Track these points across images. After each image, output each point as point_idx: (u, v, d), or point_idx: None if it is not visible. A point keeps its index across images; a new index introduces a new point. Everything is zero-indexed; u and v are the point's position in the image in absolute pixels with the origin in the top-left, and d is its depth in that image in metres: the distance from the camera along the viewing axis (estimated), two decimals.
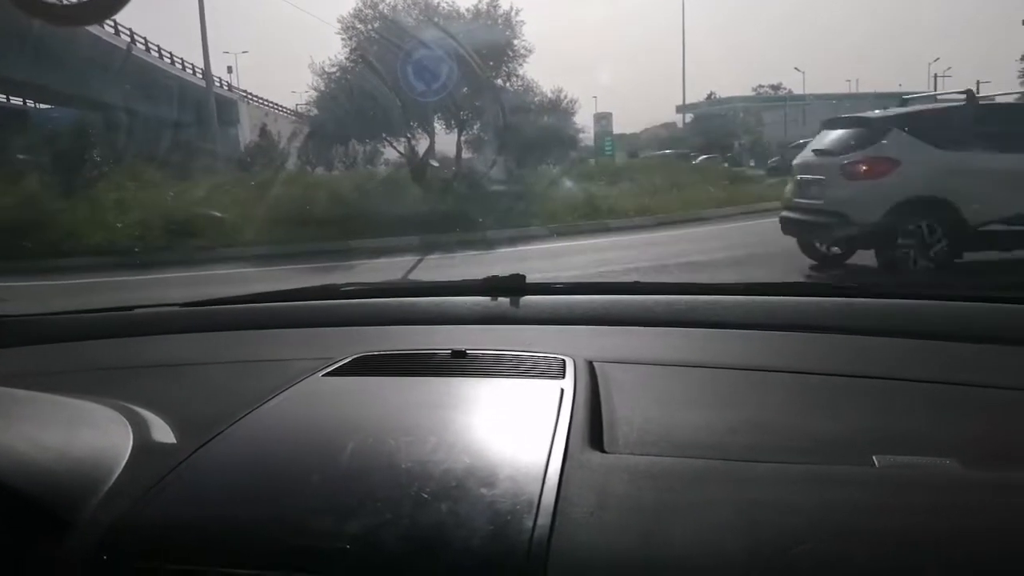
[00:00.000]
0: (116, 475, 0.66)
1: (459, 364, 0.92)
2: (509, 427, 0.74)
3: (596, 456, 0.67)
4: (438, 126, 14.71)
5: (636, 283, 1.34)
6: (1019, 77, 39.64)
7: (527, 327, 1.14)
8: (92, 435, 0.72)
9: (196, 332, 1.22)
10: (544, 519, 0.57)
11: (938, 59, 76.10)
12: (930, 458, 0.66)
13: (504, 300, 1.23)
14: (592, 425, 0.73)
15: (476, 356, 0.94)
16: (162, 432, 0.75)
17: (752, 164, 27.53)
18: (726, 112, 45.35)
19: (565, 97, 16.49)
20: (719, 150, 32.08)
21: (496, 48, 13.89)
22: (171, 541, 0.58)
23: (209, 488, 0.64)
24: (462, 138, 14.86)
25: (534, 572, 0.53)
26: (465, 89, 13.45)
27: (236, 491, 0.64)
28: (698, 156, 28.99)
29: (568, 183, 14.40)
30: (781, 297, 1.21)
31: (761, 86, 51.30)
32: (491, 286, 1.27)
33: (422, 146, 14.37)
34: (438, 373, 0.89)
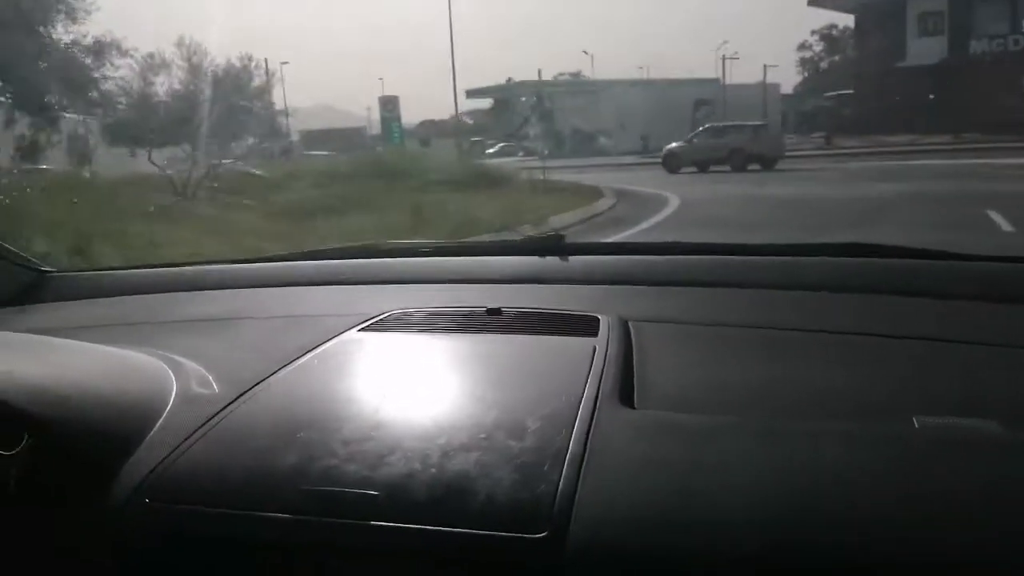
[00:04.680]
0: (159, 423, 0.71)
1: (493, 321, 0.96)
2: (539, 382, 0.77)
3: (626, 412, 0.70)
4: None
5: (672, 243, 1.33)
6: (797, 66, 47.98)
7: (563, 286, 1.17)
8: (138, 384, 0.77)
9: (240, 288, 1.28)
10: (571, 471, 0.60)
11: (726, 42, 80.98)
12: (971, 419, 0.67)
13: (540, 259, 1.26)
14: (623, 382, 0.76)
15: (510, 314, 0.98)
16: (203, 383, 0.79)
17: (546, 153, 28.49)
18: (520, 97, 44.65)
19: (239, 64, 14.65)
20: (516, 138, 34.35)
21: None
22: (208, 486, 0.62)
23: (245, 436, 0.68)
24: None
25: (560, 522, 0.56)
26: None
27: (271, 440, 0.67)
28: (495, 144, 29.81)
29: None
30: (815, 257, 1.22)
31: (561, 73, 49.88)
32: (528, 245, 1.33)
33: None
34: (472, 330, 0.93)
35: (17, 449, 0.65)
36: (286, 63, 45.05)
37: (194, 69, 14.59)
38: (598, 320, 0.93)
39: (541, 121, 43.14)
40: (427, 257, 1.40)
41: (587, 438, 0.64)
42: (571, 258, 1.28)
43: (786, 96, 44.07)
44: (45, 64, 12.65)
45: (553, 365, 0.83)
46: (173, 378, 0.81)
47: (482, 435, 0.66)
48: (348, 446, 0.65)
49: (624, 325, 0.93)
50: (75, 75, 13.42)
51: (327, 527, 0.59)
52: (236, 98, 14.93)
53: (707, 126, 23.00)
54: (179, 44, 14.52)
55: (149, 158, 13.13)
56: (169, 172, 12.15)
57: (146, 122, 13.52)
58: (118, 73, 14.51)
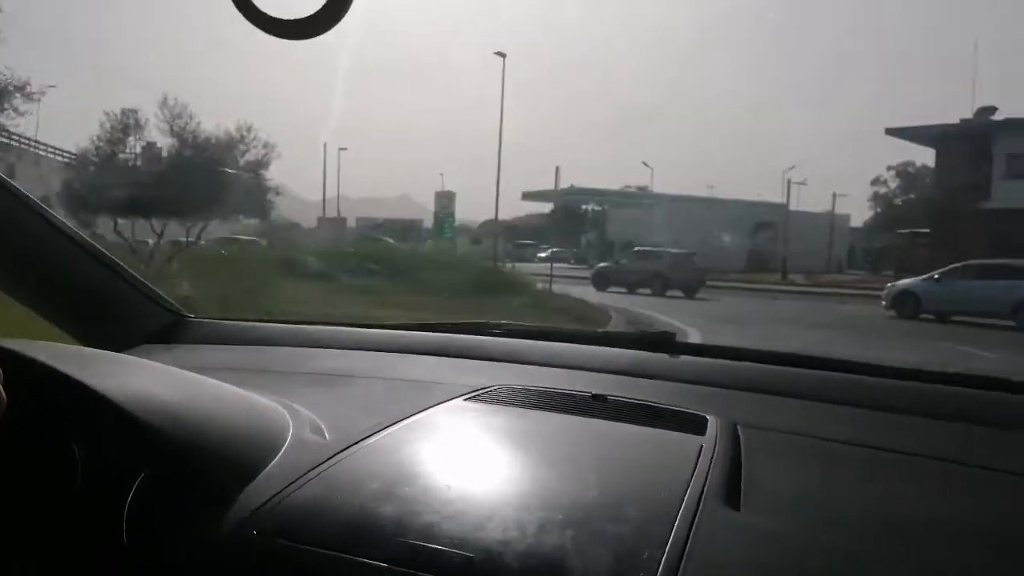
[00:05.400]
0: (273, 462, 0.76)
1: (598, 407, 0.98)
2: (642, 472, 0.79)
3: (731, 514, 0.70)
4: None
5: (790, 354, 1.33)
6: (870, 200, 44.02)
7: (671, 383, 1.17)
8: (258, 425, 0.83)
9: (357, 350, 1.38)
10: (671, 562, 0.60)
11: (794, 167, 79.62)
12: None
13: (649, 355, 1.28)
14: (730, 484, 0.76)
15: (616, 402, 1.00)
16: (316, 431, 0.86)
17: (591, 264, 27.74)
18: (578, 204, 46.99)
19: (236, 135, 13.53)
20: (567, 245, 34.74)
21: None
22: (313, 526, 0.66)
23: (352, 485, 0.72)
24: None
25: None
26: None
27: (375, 491, 0.70)
28: (547, 249, 29.30)
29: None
30: (940, 385, 1.19)
31: (628, 186, 51.04)
32: (637, 339, 1.34)
33: None
34: (575, 412, 0.95)
35: (131, 466, 0.71)
36: (344, 149, 45.29)
37: (176, 134, 13.30)
38: (706, 420, 0.93)
39: (594, 230, 45.16)
40: (534, 340, 1.40)
41: (689, 532, 0.65)
42: (681, 357, 1.28)
43: (855, 229, 42.17)
44: None
45: (657, 457, 0.84)
46: (290, 423, 0.86)
47: (581, 514, 0.67)
48: (448, 506, 0.67)
49: (732, 428, 0.93)
50: None
51: None
52: (220, 169, 13.48)
53: (636, 249, 23.18)
54: (162, 105, 13.28)
55: (114, 228, 12.50)
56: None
57: (106, 190, 12.25)
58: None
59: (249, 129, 14.54)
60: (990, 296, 13.57)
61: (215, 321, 1.58)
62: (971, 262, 15.17)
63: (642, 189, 48.32)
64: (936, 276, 14.99)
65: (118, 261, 1.37)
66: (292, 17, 0.68)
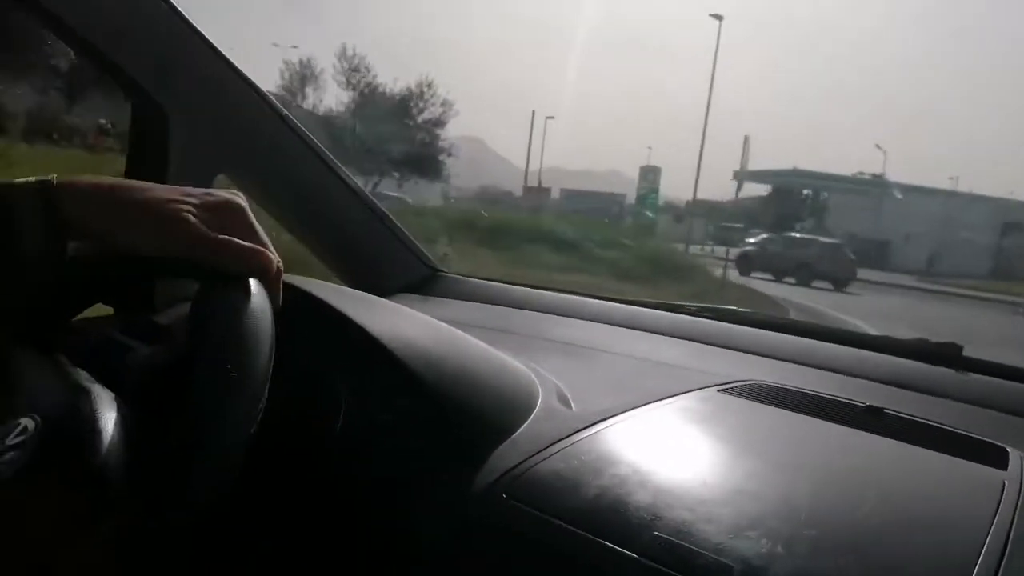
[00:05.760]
0: (523, 426, 0.76)
1: (873, 421, 0.88)
2: (932, 503, 0.71)
3: None
4: None
5: None
6: None
7: (956, 403, 1.04)
8: (511, 386, 0.83)
9: (601, 323, 1.35)
10: None
11: None
12: None
13: (929, 367, 1.15)
14: None
15: (894, 418, 0.90)
16: (564, 401, 0.85)
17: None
18: (800, 188, 42.75)
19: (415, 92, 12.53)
20: (782, 231, 31.27)
21: None
22: (563, 500, 0.64)
23: (603, 463, 0.69)
24: None
25: None
26: None
27: (627, 473, 0.67)
28: (759, 234, 24.84)
29: None
30: None
31: (861, 172, 44.93)
32: (916, 348, 1.19)
33: None
34: (846, 423, 0.87)
35: (391, 410, 0.73)
36: (551, 118, 45.62)
37: (353, 86, 13.39)
38: (1007, 452, 0.83)
39: (812, 217, 41.39)
40: (794, 335, 1.29)
41: (996, 573, 0.59)
42: (969, 374, 1.14)
43: None
44: None
45: (950, 489, 0.76)
46: (540, 389, 0.85)
47: (861, 541, 0.60)
48: (704, 505, 0.63)
49: None
50: None
51: None
52: (393, 126, 13.53)
53: (786, 235, 22.18)
54: (340, 56, 13.30)
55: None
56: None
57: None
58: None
59: (429, 85, 14.41)
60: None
61: (466, 278, 1.59)
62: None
63: (877, 177, 43.56)
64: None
65: (387, 212, 1.42)
66: None
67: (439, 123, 14.73)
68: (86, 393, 0.61)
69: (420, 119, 14.36)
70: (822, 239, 21.35)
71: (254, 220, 0.66)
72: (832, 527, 0.62)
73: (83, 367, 0.67)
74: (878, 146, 65.60)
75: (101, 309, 0.83)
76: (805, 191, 44.89)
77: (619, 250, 12.50)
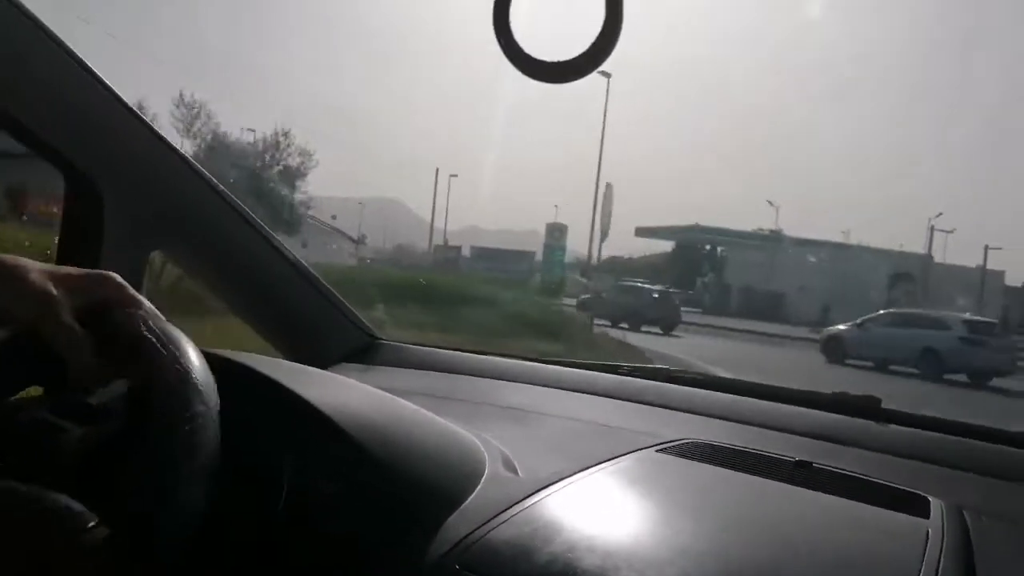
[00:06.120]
0: (472, 495, 0.76)
1: (801, 475, 0.91)
2: (863, 555, 0.73)
3: None
4: None
5: (1015, 432, 1.13)
6: None
7: (878, 455, 1.07)
8: (457, 455, 0.83)
9: (540, 386, 1.36)
10: None
11: (940, 214, 69.42)
12: None
13: (852, 420, 1.18)
14: None
15: (822, 471, 0.93)
16: (509, 467, 0.85)
17: (706, 306, 27.68)
18: (696, 243, 44.84)
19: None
20: (684, 285, 32.67)
21: None
22: (518, 568, 0.64)
23: (551, 529, 0.70)
24: None
25: None
26: None
27: (576, 539, 0.68)
28: (659, 289, 24.42)
29: None
30: None
31: (760, 228, 46.73)
32: (838, 402, 1.22)
33: None
34: (777, 478, 0.89)
35: (339, 485, 0.72)
36: (455, 175, 46.16)
37: (194, 135, 12.63)
38: (928, 501, 0.87)
39: (712, 272, 43.33)
40: (723, 393, 1.32)
41: None
42: (889, 426, 1.18)
43: (1012, 288, 37.65)
44: None
45: (877, 539, 0.78)
46: (486, 456, 0.85)
47: None
48: (652, 567, 0.65)
49: (959, 514, 0.85)
50: None
51: None
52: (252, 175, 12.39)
53: (618, 283, 24.41)
54: (179, 103, 12.50)
55: None
56: None
57: None
58: None
59: (286, 134, 13.68)
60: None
61: (405, 345, 1.59)
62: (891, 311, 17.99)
63: (775, 232, 45.40)
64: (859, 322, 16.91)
65: (321, 279, 1.41)
66: (553, 60, 0.73)
67: (299, 174, 13.94)
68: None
69: (276, 170, 13.52)
70: (648, 286, 23.59)
71: (132, 291, 0.68)
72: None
73: (15, 452, 0.65)
74: (770, 202, 67.65)
75: (32, 390, 0.81)
76: (707, 246, 46.44)
77: (488, 308, 12.86)
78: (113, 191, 1.05)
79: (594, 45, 0.71)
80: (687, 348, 14.48)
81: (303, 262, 1.38)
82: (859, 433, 1.15)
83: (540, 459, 0.89)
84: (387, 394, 0.91)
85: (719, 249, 45.63)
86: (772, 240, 42.58)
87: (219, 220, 1.22)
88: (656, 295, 22.39)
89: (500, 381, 1.38)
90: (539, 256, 38.63)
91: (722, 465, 0.93)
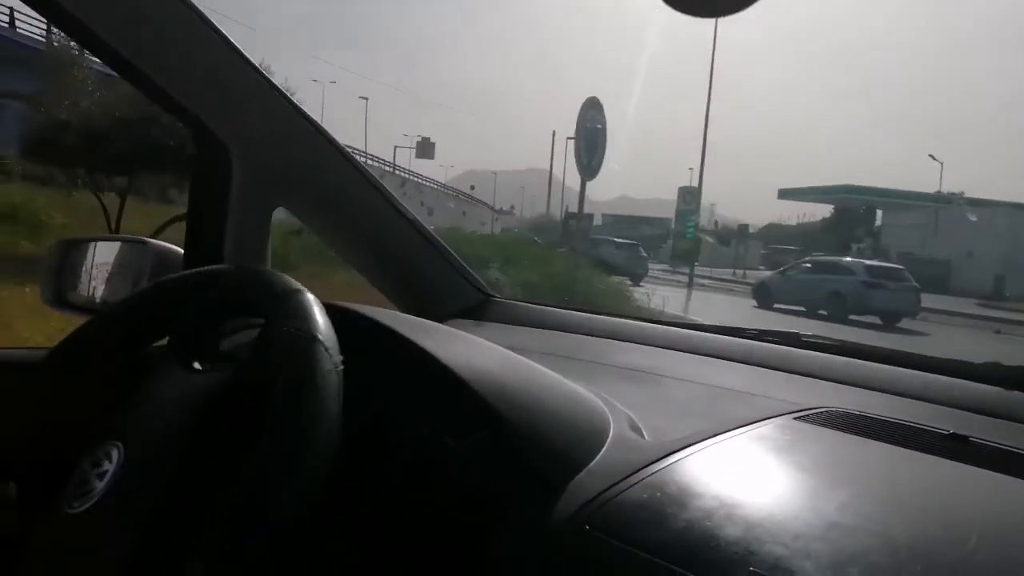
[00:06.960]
0: (598, 456, 0.76)
1: (957, 449, 0.85)
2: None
3: None
4: None
5: None
6: None
7: None
8: (582, 414, 0.83)
9: (662, 348, 1.34)
10: None
11: None
12: None
13: (1006, 392, 1.10)
14: None
15: (980, 446, 0.87)
16: (635, 429, 0.84)
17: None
18: (857, 205, 41.22)
19: None
20: (838, 253, 29.58)
21: None
22: (647, 531, 0.64)
23: (685, 494, 0.69)
24: None
25: None
26: None
27: (712, 506, 0.66)
28: (820, 256, 22.47)
29: None
30: None
31: (940, 191, 41.27)
32: (992, 373, 1.14)
33: None
34: (929, 451, 0.84)
35: (466, 441, 0.72)
36: (571, 138, 45.73)
37: None
38: None
39: (868, 238, 40.70)
40: (859, 359, 1.23)
41: None
42: None
43: None
44: None
45: None
46: (610, 418, 0.84)
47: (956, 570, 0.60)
48: (800, 540, 0.62)
49: None
50: None
51: None
52: None
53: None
54: None
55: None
56: None
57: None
58: None
59: None
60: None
61: (518, 303, 1.59)
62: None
63: (956, 195, 40.46)
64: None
65: (440, 239, 1.44)
66: None
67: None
68: (164, 419, 0.63)
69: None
70: (620, 240, 25.18)
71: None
72: (937, 564, 0.60)
73: (154, 394, 0.70)
74: (932, 156, 60.36)
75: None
76: (862, 209, 43.55)
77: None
78: (240, 148, 1.11)
79: None
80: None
81: (421, 222, 1.42)
82: (1015, 405, 1.06)
83: (666, 422, 0.87)
84: (508, 351, 0.90)
85: (871, 211, 42.62)
86: (930, 198, 39.14)
87: (341, 180, 1.27)
88: (625, 247, 22.34)
89: (615, 341, 1.36)
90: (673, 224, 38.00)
91: (867, 436, 0.88)
